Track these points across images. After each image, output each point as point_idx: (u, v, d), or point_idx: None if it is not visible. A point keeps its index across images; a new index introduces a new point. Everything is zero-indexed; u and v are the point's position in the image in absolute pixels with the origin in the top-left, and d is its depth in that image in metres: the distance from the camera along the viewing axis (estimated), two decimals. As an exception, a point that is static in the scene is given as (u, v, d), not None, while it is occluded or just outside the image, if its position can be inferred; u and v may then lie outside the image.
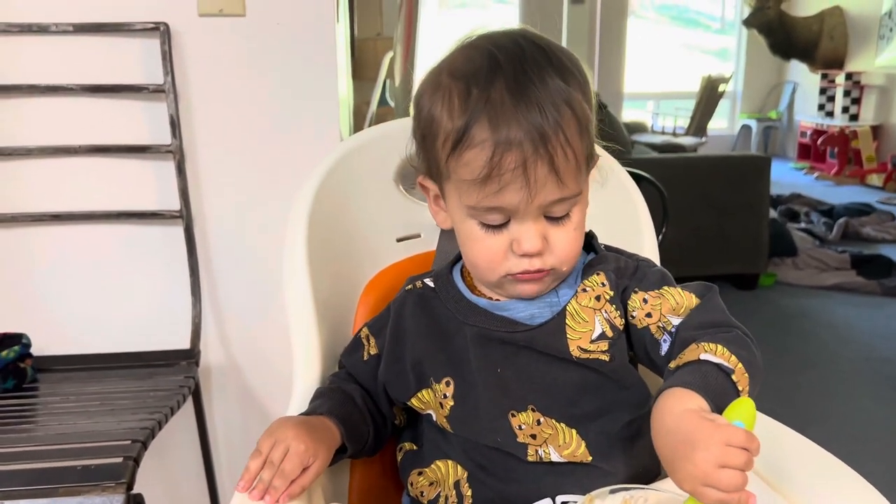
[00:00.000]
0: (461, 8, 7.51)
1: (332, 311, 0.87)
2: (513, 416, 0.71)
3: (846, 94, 6.91)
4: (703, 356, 0.63)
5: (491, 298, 0.75)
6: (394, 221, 0.94)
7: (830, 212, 4.78)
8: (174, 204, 1.49)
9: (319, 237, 0.87)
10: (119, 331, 1.54)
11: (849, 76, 6.92)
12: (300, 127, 1.51)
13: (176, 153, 1.47)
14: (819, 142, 6.81)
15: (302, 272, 0.84)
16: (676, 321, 0.70)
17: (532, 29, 0.70)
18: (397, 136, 0.83)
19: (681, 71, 8.04)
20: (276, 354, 1.58)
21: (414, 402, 0.77)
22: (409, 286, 0.81)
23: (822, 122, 7.07)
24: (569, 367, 0.71)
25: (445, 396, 0.74)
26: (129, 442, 1.12)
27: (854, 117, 6.90)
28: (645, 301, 0.72)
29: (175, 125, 1.46)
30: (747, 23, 7.08)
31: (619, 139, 3.40)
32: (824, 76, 7.14)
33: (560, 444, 0.70)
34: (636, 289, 0.73)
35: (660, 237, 1.16)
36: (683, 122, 6.49)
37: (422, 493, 0.76)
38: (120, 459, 1.08)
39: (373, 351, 0.80)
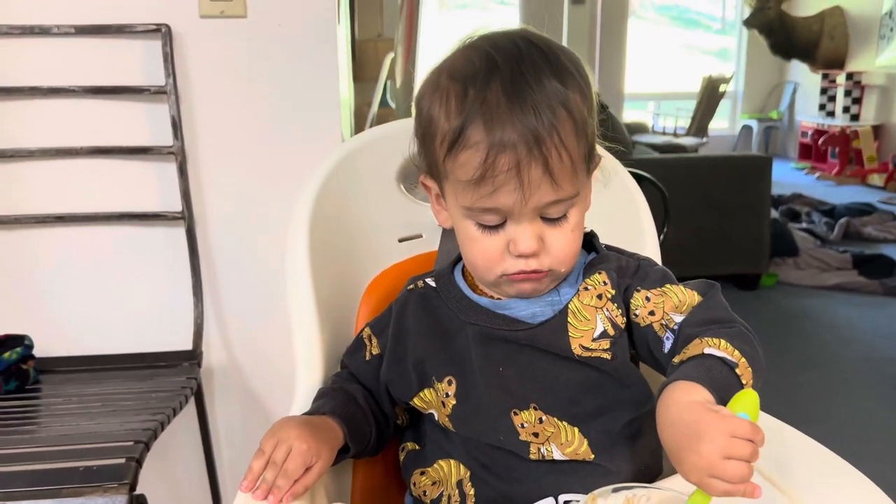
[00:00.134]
0: (461, 9, 7.52)
1: (334, 312, 0.88)
2: (515, 414, 0.71)
3: (847, 93, 6.91)
4: (707, 350, 0.64)
5: (492, 297, 0.75)
6: (395, 222, 0.94)
7: (832, 212, 4.78)
8: (176, 205, 1.50)
9: (321, 238, 0.87)
10: (121, 332, 1.54)
11: (849, 76, 6.92)
12: (301, 128, 1.52)
13: (177, 154, 1.47)
14: (820, 142, 6.81)
15: (304, 273, 0.84)
16: (679, 318, 0.70)
17: (533, 29, 0.71)
18: (398, 136, 0.84)
19: (681, 71, 8.05)
20: (278, 355, 1.58)
21: (416, 401, 0.77)
22: (411, 286, 0.81)
23: (823, 122, 7.07)
24: (571, 366, 0.71)
25: (447, 395, 0.74)
26: (131, 443, 1.13)
27: (855, 117, 6.90)
28: (647, 299, 0.72)
29: (177, 126, 1.46)
30: (748, 23, 7.09)
31: (621, 140, 3.40)
32: (825, 76, 7.14)
33: (562, 442, 0.70)
34: (638, 287, 0.73)
35: (661, 237, 1.16)
36: (684, 123, 6.49)
37: (424, 492, 0.76)
38: (122, 460, 1.08)
39: (375, 351, 0.80)
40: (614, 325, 0.72)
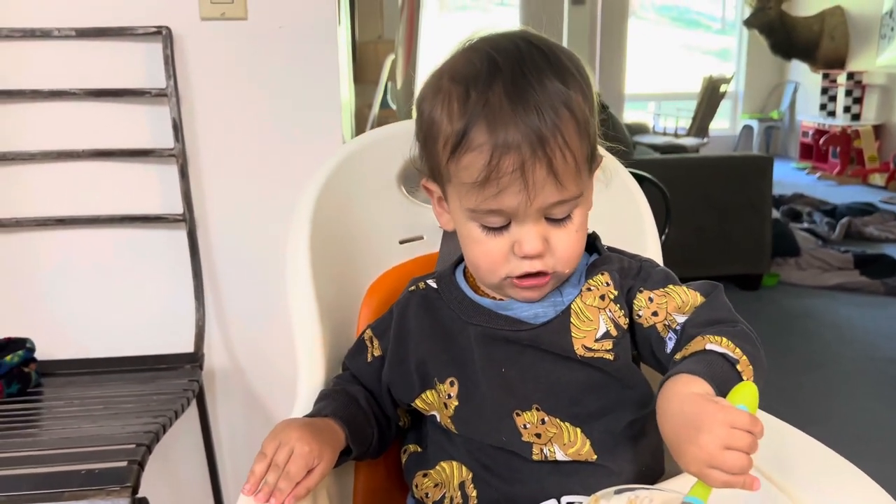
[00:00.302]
0: (462, 10, 7.52)
1: (336, 314, 0.88)
2: (517, 415, 0.71)
3: (848, 93, 6.91)
4: (709, 346, 0.64)
5: (494, 298, 0.75)
6: (396, 223, 0.94)
7: (833, 212, 4.78)
8: (177, 208, 1.50)
9: (322, 240, 0.87)
10: (123, 335, 1.54)
11: (850, 76, 6.91)
12: (302, 130, 1.52)
13: (179, 157, 1.47)
14: (821, 141, 6.81)
15: (305, 275, 0.84)
16: (682, 319, 0.70)
17: (533, 30, 0.71)
18: (399, 138, 0.84)
19: (682, 72, 8.05)
20: (280, 357, 1.58)
21: (418, 403, 0.77)
22: (412, 287, 0.81)
23: (824, 121, 7.06)
24: (573, 366, 0.71)
25: (450, 397, 0.74)
26: (133, 446, 1.13)
27: (856, 117, 6.90)
28: (650, 300, 0.72)
29: (178, 129, 1.46)
30: (748, 23, 7.09)
31: (622, 140, 3.40)
32: (826, 76, 7.14)
33: (565, 442, 0.70)
34: (641, 288, 0.73)
35: (663, 238, 1.16)
36: (685, 123, 6.49)
37: (426, 494, 0.76)
38: (124, 463, 1.08)
39: (376, 353, 0.80)
40: (617, 325, 0.72)
